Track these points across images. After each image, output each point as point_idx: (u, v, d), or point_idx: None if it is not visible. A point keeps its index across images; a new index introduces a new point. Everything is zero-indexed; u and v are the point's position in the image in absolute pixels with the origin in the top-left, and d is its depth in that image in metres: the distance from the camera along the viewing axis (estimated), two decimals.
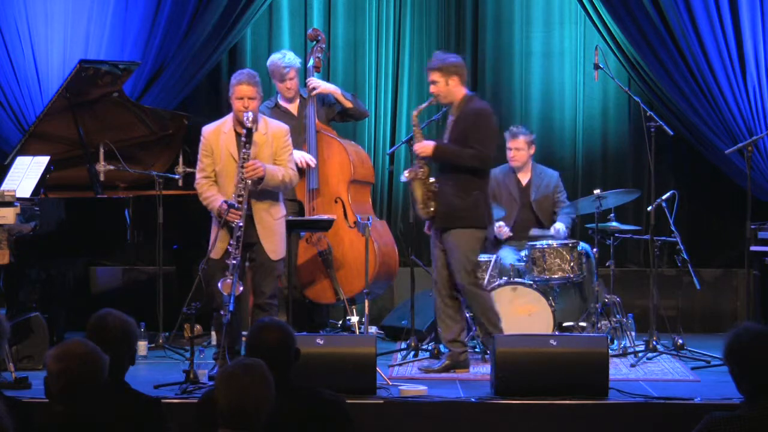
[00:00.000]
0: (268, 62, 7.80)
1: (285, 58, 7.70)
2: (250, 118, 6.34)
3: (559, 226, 7.64)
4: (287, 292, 7.19)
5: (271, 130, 6.55)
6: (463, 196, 6.57)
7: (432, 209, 6.64)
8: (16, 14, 8.25)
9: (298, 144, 7.67)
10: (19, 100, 8.23)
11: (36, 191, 6.91)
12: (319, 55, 7.83)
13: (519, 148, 7.85)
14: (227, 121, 6.59)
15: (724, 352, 3.49)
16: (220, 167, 6.53)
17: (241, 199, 6.31)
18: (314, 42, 7.86)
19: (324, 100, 7.83)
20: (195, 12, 8.30)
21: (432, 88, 6.67)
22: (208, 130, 6.62)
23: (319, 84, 7.76)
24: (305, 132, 7.70)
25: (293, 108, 7.80)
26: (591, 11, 8.32)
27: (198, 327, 7.32)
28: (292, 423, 3.58)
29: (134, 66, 7.71)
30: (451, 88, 6.62)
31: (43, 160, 7.06)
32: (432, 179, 6.65)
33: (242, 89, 6.45)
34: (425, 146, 6.66)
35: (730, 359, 3.48)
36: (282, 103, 7.81)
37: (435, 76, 6.63)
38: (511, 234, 7.78)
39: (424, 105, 6.86)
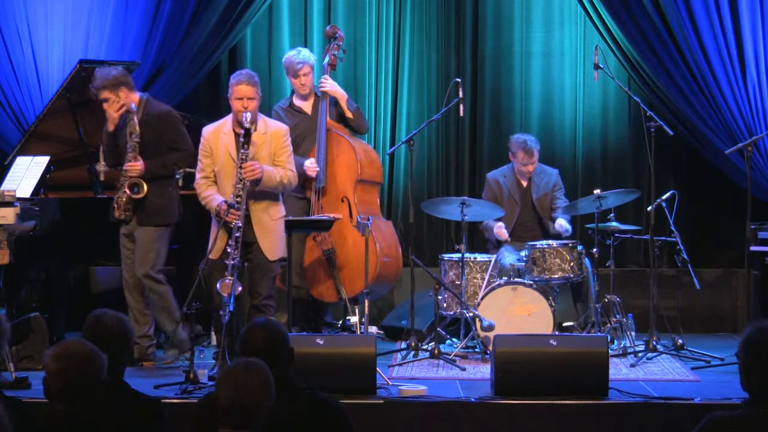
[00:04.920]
0: (284, 59, 7.86)
1: (300, 54, 7.73)
2: (248, 119, 6.35)
3: (562, 222, 7.62)
4: (288, 292, 7.19)
5: (270, 131, 6.55)
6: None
7: None
8: (16, 14, 8.24)
9: (312, 142, 7.69)
10: (19, 100, 8.23)
11: (36, 191, 6.92)
12: (335, 53, 7.82)
13: (534, 162, 7.86)
14: (227, 121, 6.61)
15: (741, 344, 3.46)
16: (219, 167, 6.55)
17: (239, 199, 6.32)
18: (332, 39, 7.84)
19: (334, 98, 7.84)
20: (195, 12, 8.30)
21: (105, 106, 6.76)
22: (208, 130, 6.65)
23: (328, 84, 7.74)
24: (318, 130, 7.71)
25: (307, 107, 7.80)
26: (591, 11, 8.32)
27: (198, 327, 7.32)
28: (289, 423, 3.58)
29: (134, 66, 7.71)
30: (123, 99, 6.74)
31: (43, 160, 7.06)
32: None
33: (241, 89, 6.46)
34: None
35: (745, 351, 3.45)
36: (296, 101, 7.82)
37: (105, 94, 6.75)
38: (509, 239, 7.78)
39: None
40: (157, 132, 6.75)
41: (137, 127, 6.66)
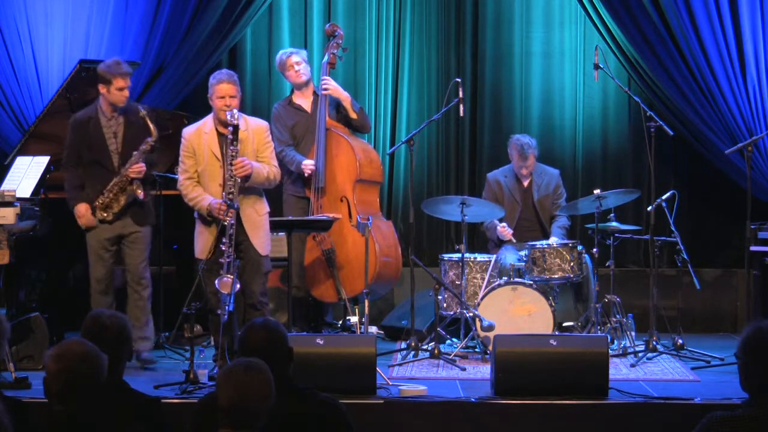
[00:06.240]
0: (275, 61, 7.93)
1: (287, 49, 7.90)
2: (235, 116, 6.38)
3: (555, 239, 7.60)
4: (288, 292, 7.19)
5: (252, 127, 6.58)
6: None
7: None
8: (16, 14, 8.25)
9: (311, 141, 7.70)
10: (19, 100, 8.23)
11: (36, 191, 6.92)
12: (335, 51, 7.82)
13: (530, 165, 7.85)
14: (207, 121, 6.62)
15: (741, 344, 3.46)
16: (203, 167, 6.56)
17: (231, 196, 6.33)
18: (331, 38, 7.85)
19: (336, 99, 7.84)
20: (195, 12, 8.30)
21: (118, 93, 6.65)
22: (188, 131, 6.65)
23: (331, 86, 7.74)
24: (317, 129, 7.71)
25: (307, 104, 7.82)
26: (591, 11, 8.32)
27: (198, 327, 7.32)
28: (289, 423, 3.58)
29: (134, 66, 7.70)
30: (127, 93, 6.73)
31: (43, 160, 7.07)
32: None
33: (223, 88, 6.49)
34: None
35: (745, 351, 3.45)
36: (296, 99, 7.83)
37: (126, 82, 6.68)
38: (513, 239, 7.78)
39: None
40: (145, 134, 6.74)
41: (154, 130, 6.65)
